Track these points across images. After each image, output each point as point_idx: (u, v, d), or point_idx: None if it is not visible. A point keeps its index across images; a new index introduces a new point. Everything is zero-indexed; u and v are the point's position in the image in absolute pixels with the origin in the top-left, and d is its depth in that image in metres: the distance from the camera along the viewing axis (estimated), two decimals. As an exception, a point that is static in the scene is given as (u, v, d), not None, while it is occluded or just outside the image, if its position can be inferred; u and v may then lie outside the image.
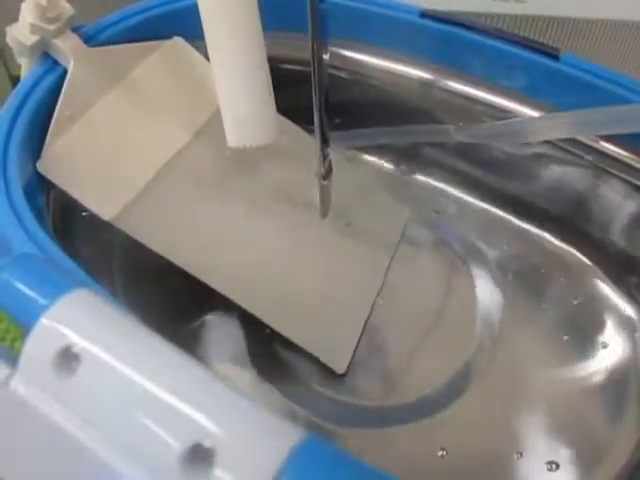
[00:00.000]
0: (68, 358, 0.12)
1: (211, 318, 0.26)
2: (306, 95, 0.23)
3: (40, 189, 0.21)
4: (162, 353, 0.13)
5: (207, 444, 0.11)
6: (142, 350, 0.12)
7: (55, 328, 0.12)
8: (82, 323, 0.13)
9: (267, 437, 0.11)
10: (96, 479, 0.12)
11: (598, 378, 0.24)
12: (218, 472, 0.11)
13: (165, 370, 0.12)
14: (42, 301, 0.13)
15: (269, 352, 0.25)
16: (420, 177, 0.31)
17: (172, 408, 0.11)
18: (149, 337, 0.13)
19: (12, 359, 0.13)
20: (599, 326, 0.26)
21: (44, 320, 0.13)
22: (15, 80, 0.38)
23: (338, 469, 0.11)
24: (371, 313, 0.26)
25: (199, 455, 0.11)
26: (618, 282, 0.27)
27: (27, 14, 0.21)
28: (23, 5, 0.21)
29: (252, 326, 0.24)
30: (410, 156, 0.30)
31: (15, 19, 0.30)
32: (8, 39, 0.22)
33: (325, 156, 0.23)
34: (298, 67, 0.28)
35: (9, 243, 0.17)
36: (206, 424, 0.11)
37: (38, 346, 0.12)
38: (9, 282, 0.13)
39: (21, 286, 0.13)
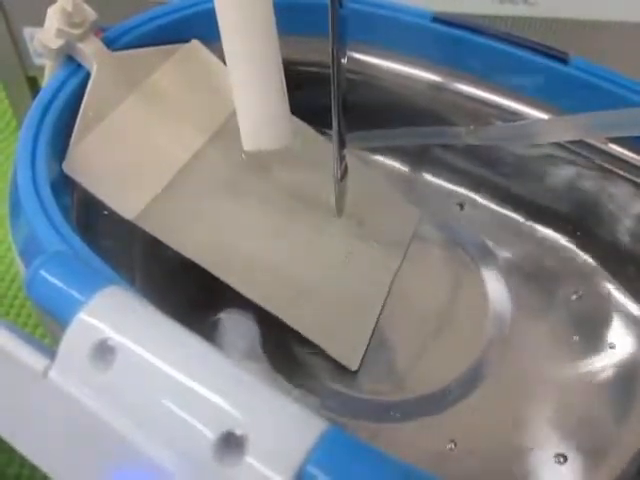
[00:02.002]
0: (104, 351, 0.13)
1: (226, 313, 0.26)
2: (319, 97, 0.24)
3: (66, 189, 0.21)
4: (193, 347, 0.13)
5: (239, 432, 0.12)
6: (174, 343, 0.13)
7: (92, 323, 0.13)
8: (117, 318, 0.13)
9: (294, 426, 0.12)
10: (132, 468, 0.13)
11: (606, 376, 0.25)
12: (249, 459, 0.12)
13: (196, 362, 0.13)
14: (79, 297, 0.14)
15: (283, 347, 0.25)
16: (430, 178, 0.31)
17: (204, 398, 0.12)
18: (180, 331, 0.14)
19: (49, 351, 0.14)
20: (607, 325, 0.26)
21: (81, 315, 0.13)
22: (31, 81, 0.39)
23: (362, 458, 0.12)
24: (382, 311, 0.27)
25: (231, 443, 0.12)
26: (626, 282, 0.27)
27: (54, 19, 0.22)
28: (49, 10, 0.22)
29: (266, 322, 0.25)
30: (421, 157, 0.31)
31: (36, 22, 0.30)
32: (35, 43, 0.22)
33: (342, 158, 0.24)
34: (311, 69, 0.29)
35: (40, 242, 0.18)
36: (237, 413, 0.12)
37: (76, 340, 0.13)
38: (47, 279, 0.14)
39: (58, 283, 0.14)
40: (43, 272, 0.14)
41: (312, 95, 0.25)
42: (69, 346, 0.13)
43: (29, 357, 0.14)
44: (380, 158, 0.32)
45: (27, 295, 0.15)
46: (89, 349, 0.13)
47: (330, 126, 0.24)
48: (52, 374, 0.13)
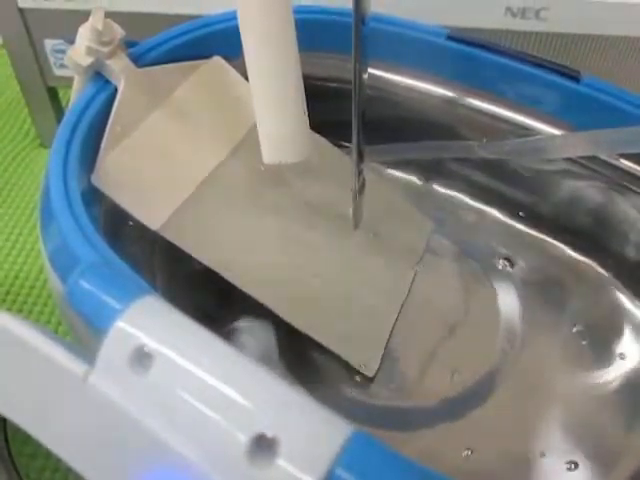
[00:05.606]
0: (141, 357, 0.14)
1: (243, 320, 0.27)
2: (336, 112, 0.25)
3: (94, 200, 0.22)
4: (224, 352, 0.14)
5: (270, 434, 0.12)
6: (207, 349, 0.14)
7: (130, 330, 0.14)
8: (153, 326, 0.14)
9: (323, 429, 0.13)
10: (166, 469, 0.13)
11: (616, 385, 0.25)
12: (280, 460, 0.12)
13: (228, 367, 0.14)
14: (117, 306, 0.14)
15: (299, 354, 0.26)
16: (443, 190, 0.32)
17: (237, 402, 0.13)
18: (211, 338, 0.14)
19: (88, 357, 0.15)
20: (617, 335, 0.27)
21: (120, 323, 0.14)
22: (51, 91, 0.40)
23: (388, 461, 0.12)
24: (397, 319, 0.27)
25: (263, 444, 0.12)
26: (636, 293, 0.28)
27: (84, 37, 0.23)
28: (81, 29, 0.23)
29: (283, 328, 0.25)
30: (434, 170, 0.32)
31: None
32: (65, 60, 0.23)
33: (360, 171, 0.25)
34: (330, 85, 0.30)
35: (73, 251, 0.18)
36: (268, 416, 0.13)
37: (114, 346, 0.14)
38: (86, 289, 0.15)
39: (98, 293, 0.15)
40: (83, 282, 0.15)
41: (330, 110, 0.26)
42: (108, 352, 0.14)
43: (69, 362, 0.14)
44: (394, 171, 0.32)
45: (67, 304, 0.15)
46: (128, 355, 0.14)
47: (347, 140, 0.25)
48: (92, 379, 0.14)
